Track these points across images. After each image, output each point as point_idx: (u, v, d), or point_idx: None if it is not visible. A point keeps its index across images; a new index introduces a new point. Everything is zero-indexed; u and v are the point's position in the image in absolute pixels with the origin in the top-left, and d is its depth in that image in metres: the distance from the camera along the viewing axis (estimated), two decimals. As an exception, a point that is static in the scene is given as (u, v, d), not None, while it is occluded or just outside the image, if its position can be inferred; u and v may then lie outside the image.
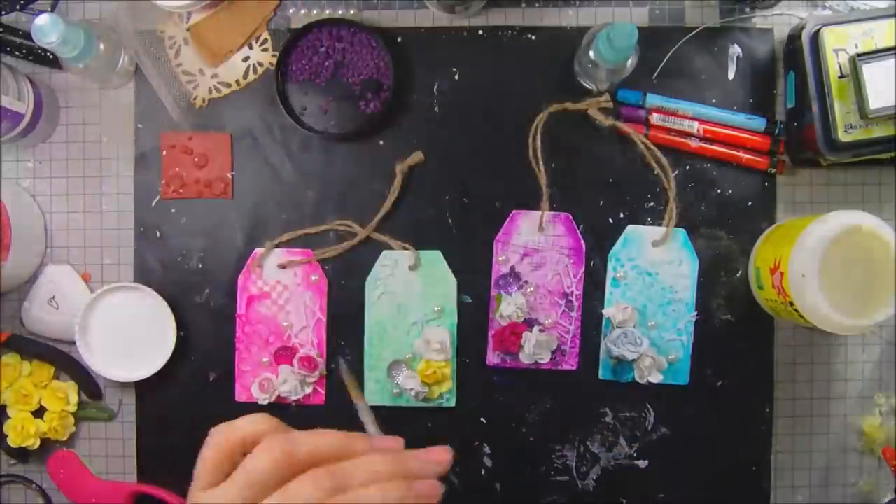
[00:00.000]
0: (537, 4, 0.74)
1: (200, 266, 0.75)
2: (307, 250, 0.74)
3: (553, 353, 0.72)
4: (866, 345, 0.74)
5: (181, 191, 0.74)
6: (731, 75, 0.73)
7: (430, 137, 0.74)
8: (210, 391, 0.74)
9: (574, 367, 0.73)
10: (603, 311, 0.73)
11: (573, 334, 0.73)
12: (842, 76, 0.66)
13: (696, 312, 0.72)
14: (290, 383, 0.72)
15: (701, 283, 0.73)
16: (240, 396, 0.74)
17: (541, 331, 0.72)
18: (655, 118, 0.72)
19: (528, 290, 0.73)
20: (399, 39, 0.74)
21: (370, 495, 0.42)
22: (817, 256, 0.61)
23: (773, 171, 0.72)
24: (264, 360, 0.74)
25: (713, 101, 0.73)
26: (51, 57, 0.73)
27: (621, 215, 0.73)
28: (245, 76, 0.74)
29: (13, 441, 0.72)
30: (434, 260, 0.73)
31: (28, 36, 0.70)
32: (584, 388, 0.73)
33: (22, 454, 0.74)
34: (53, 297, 0.74)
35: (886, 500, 0.72)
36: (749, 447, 0.74)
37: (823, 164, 0.69)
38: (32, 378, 0.73)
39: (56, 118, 0.75)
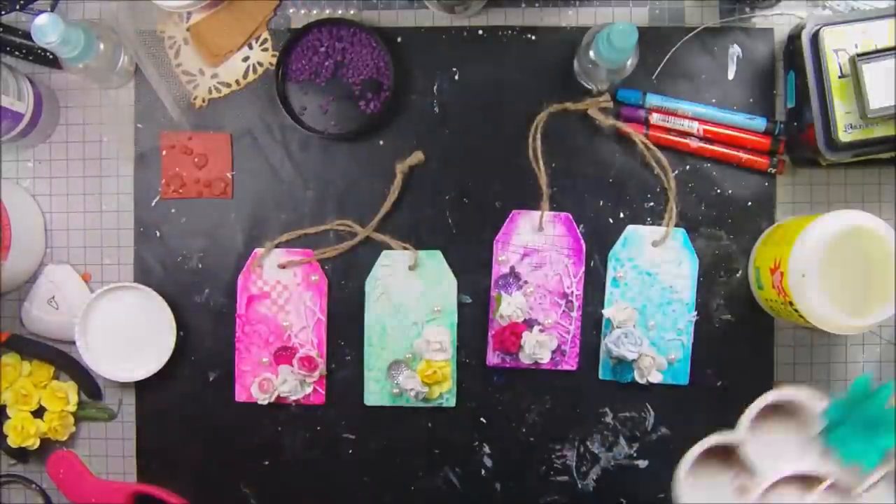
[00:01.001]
0: (537, 4, 0.74)
1: (200, 266, 0.75)
2: (307, 250, 0.74)
3: (553, 353, 0.72)
4: (866, 345, 0.74)
5: (181, 191, 0.74)
6: (731, 75, 0.73)
7: (430, 137, 0.74)
8: (210, 391, 0.74)
9: (574, 367, 0.73)
10: (603, 311, 0.73)
11: (573, 334, 0.73)
12: (842, 76, 0.66)
13: (695, 312, 0.72)
14: (289, 383, 0.72)
15: (701, 283, 0.73)
16: (239, 396, 0.74)
17: (541, 331, 0.72)
18: (655, 118, 0.72)
19: (528, 290, 0.73)
20: (399, 39, 0.74)
21: None
22: (817, 256, 0.61)
23: (773, 171, 0.72)
24: (264, 360, 0.74)
25: (713, 101, 0.73)
26: (51, 57, 0.73)
27: (621, 215, 0.73)
28: (245, 76, 0.74)
29: (13, 441, 0.72)
30: (434, 260, 0.73)
31: (28, 36, 0.70)
32: (584, 388, 0.73)
33: (22, 454, 0.74)
34: (53, 297, 0.74)
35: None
36: (749, 447, 0.74)
37: (823, 164, 0.69)
38: (32, 378, 0.73)
39: (56, 118, 0.75)
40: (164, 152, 0.75)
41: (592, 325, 0.73)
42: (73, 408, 0.74)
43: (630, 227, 0.73)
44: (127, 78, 0.75)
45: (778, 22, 0.73)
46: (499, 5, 0.74)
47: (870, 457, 0.61)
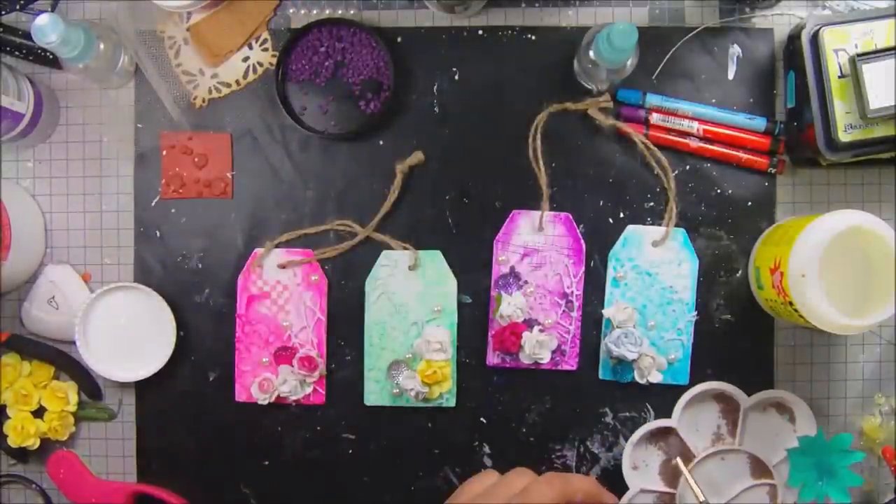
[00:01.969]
0: (537, 4, 0.74)
1: (200, 266, 0.75)
2: (307, 250, 0.74)
3: (553, 353, 0.72)
4: (866, 345, 0.74)
5: (181, 191, 0.74)
6: (731, 75, 0.73)
7: (430, 137, 0.74)
8: (210, 391, 0.74)
9: (574, 367, 0.73)
10: (603, 311, 0.73)
11: (573, 334, 0.73)
12: (842, 76, 0.66)
13: (695, 312, 0.72)
14: (289, 383, 0.72)
15: (701, 283, 0.73)
16: (239, 396, 0.74)
17: (541, 331, 0.72)
18: (655, 118, 0.72)
19: (528, 290, 0.73)
20: (399, 39, 0.74)
21: None
22: (817, 256, 0.61)
23: (773, 171, 0.72)
24: (264, 359, 0.74)
25: (713, 101, 0.73)
26: (51, 57, 0.73)
27: (621, 215, 0.73)
28: (245, 76, 0.74)
29: (13, 441, 0.72)
30: (434, 260, 0.73)
31: (28, 36, 0.70)
32: (584, 388, 0.73)
33: (22, 454, 0.74)
34: (53, 297, 0.74)
35: (886, 500, 0.72)
36: (749, 447, 0.74)
37: (823, 164, 0.69)
38: (32, 378, 0.73)
39: (56, 118, 0.75)
40: (164, 152, 0.75)
41: (592, 325, 0.73)
42: (73, 408, 0.74)
43: (630, 227, 0.73)
44: (127, 78, 0.75)
45: (778, 22, 0.73)
46: (499, 5, 0.74)
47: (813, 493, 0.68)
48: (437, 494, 0.74)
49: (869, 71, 0.64)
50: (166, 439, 0.75)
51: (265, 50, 0.74)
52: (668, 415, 0.72)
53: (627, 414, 0.74)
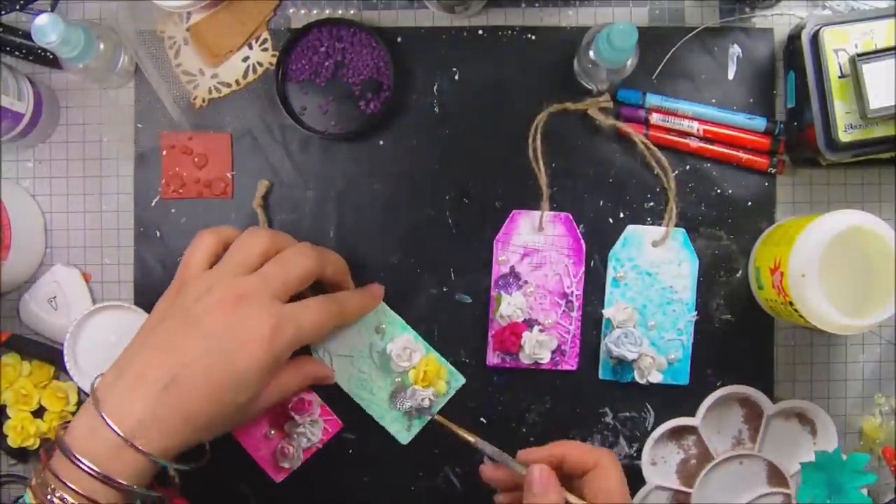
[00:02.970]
0: (537, 4, 0.74)
1: (200, 266, 0.75)
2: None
3: (553, 353, 0.72)
4: (866, 345, 0.74)
5: (181, 191, 0.74)
6: (731, 75, 0.73)
7: (429, 137, 0.74)
8: (210, 391, 0.74)
9: (574, 367, 0.73)
10: (603, 311, 0.73)
11: (573, 334, 0.73)
12: (842, 76, 0.66)
13: (695, 312, 0.72)
14: (305, 433, 0.72)
15: (701, 283, 0.73)
16: (269, 470, 0.74)
17: (541, 331, 0.72)
18: (655, 118, 0.72)
19: (528, 290, 0.73)
20: (399, 39, 0.74)
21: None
22: (817, 256, 0.61)
23: (773, 171, 0.72)
24: (270, 434, 0.73)
25: (713, 101, 0.73)
26: (51, 57, 0.73)
27: (621, 215, 0.73)
28: (245, 76, 0.74)
29: (13, 441, 0.72)
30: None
31: (28, 36, 0.70)
32: (584, 388, 0.73)
33: (22, 454, 0.74)
34: (54, 298, 0.74)
35: (887, 500, 0.72)
36: (749, 447, 0.74)
37: (823, 164, 0.69)
38: (32, 378, 0.73)
39: (56, 118, 0.75)
40: (164, 152, 0.75)
41: (592, 325, 0.73)
42: (73, 408, 0.74)
43: (630, 227, 0.73)
44: (127, 78, 0.75)
45: (778, 22, 0.73)
46: (499, 5, 0.74)
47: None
48: (437, 494, 0.74)
49: (869, 71, 0.64)
50: (166, 439, 0.75)
51: (265, 50, 0.74)
52: (669, 415, 0.72)
53: (627, 414, 0.74)
